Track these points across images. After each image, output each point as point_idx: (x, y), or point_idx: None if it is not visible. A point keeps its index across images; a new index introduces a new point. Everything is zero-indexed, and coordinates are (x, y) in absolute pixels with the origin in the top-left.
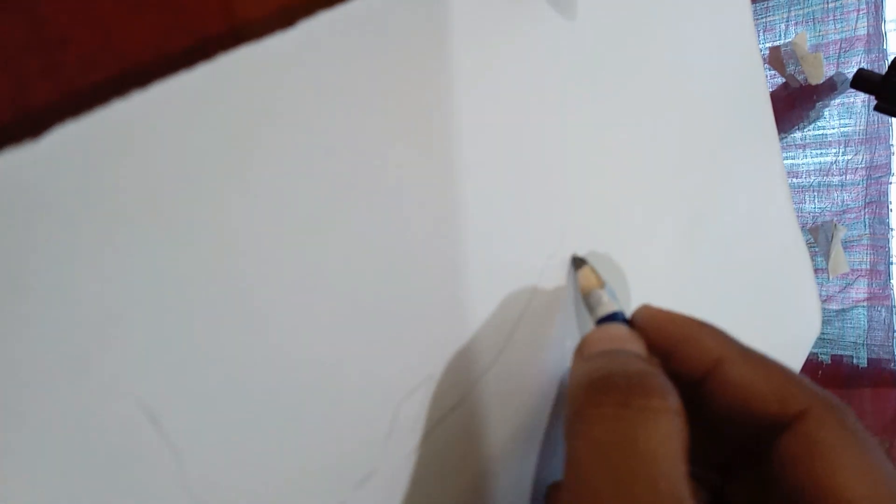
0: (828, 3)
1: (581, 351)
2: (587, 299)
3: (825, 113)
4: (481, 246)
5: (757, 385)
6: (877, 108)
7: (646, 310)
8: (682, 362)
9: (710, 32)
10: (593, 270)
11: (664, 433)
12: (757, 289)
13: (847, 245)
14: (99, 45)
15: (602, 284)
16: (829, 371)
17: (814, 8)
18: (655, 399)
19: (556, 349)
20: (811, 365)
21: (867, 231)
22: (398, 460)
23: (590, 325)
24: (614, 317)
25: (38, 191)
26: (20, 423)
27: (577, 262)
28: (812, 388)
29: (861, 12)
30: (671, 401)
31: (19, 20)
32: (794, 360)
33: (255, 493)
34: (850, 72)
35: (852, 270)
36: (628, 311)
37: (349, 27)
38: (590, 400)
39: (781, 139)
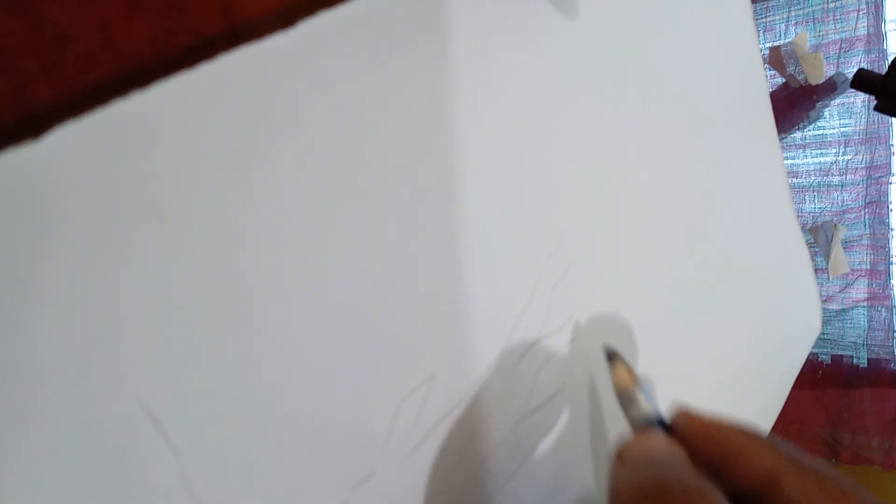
0: (828, 3)
1: (622, 456)
2: (621, 398)
3: (825, 113)
4: (482, 246)
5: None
6: (877, 108)
7: (686, 417)
8: (731, 477)
9: (711, 32)
10: (627, 367)
11: None
12: (757, 289)
13: (847, 245)
14: (99, 45)
15: (637, 382)
16: (829, 371)
17: (814, 8)
18: None
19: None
20: (811, 365)
21: (867, 231)
22: (398, 460)
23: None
24: (650, 422)
25: (38, 191)
26: (21, 423)
27: (611, 356)
28: (872, 501)
29: (861, 12)
30: None
31: (19, 20)
32: (794, 360)
33: (255, 493)
34: (850, 72)
35: (852, 270)
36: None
37: (349, 27)
38: None
39: (781, 139)
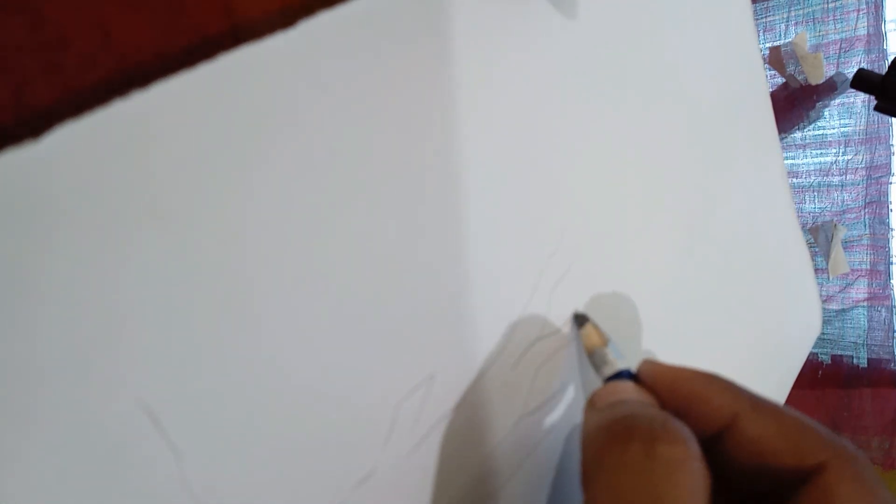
0: (828, 3)
1: (592, 404)
2: (592, 358)
3: (825, 113)
4: (482, 245)
5: (772, 439)
6: (877, 108)
7: (650, 366)
8: (694, 420)
9: (711, 32)
10: (596, 328)
11: (690, 486)
12: (757, 289)
13: (847, 245)
14: (99, 45)
15: (606, 342)
16: (829, 371)
17: (814, 8)
18: (680, 447)
19: (562, 355)
20: (811, 365)
21: (867, 231)
22: (398, 460)
23: (596, 376)
24: (620, 374)
25: (38, 191)
26: (21, 423)
27: (580, 320)
28: (828, 438)
29: (861, 12)
30: (693, 448)
31: (19, 20)
32: (794, 360)
33: (255, 493)
34: (850, 72)
35: (852, 270)
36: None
37: (349, 27)
38: (611, 445)
39: (781, 139)
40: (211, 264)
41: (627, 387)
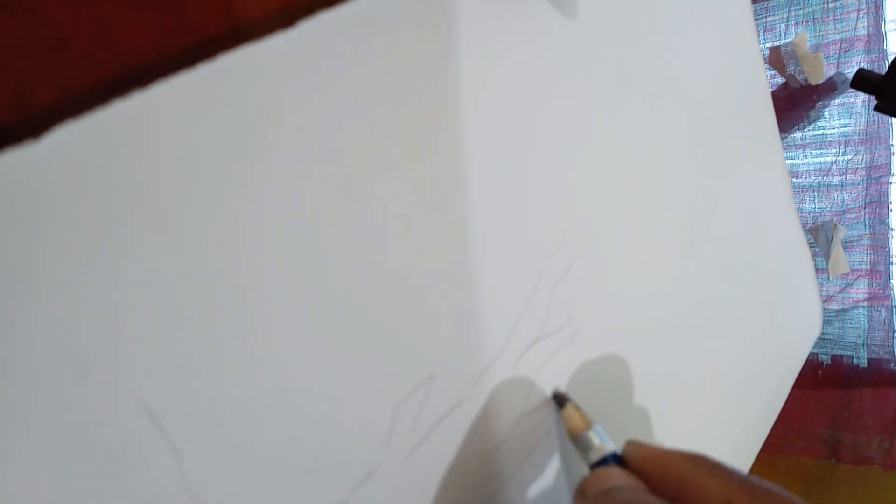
0: (828, 3)
1: (583, 492)
2: (575, 443)
3: (825, 113)
4: (482, 245)
5: None
6: (877, 108)
7: (636, 448)
8: None
9: (711, 32)
10: (577, 409)
11: None
12: (757, 289)
13: (847, 245)
14: (99, 45)
15: (589, 424)
16: (829, 371)
17: (814, 8)
18: None
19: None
20: (811, 365)
21: (867, 231)
22: (398, 460)
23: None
24: (606, 458)
25: (38, 191)
26: (22, 423)
27: (560, 400)
28: None
29: (861, 12)
30: None
31: (19, 20)
32: (794, 360)
33: (255, 493)
34: (850, 72)
35: (852, 270)
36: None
37: (349, 27)
38: None
39: (781, 139)
40: (211, 264)
41: (616, 472)
